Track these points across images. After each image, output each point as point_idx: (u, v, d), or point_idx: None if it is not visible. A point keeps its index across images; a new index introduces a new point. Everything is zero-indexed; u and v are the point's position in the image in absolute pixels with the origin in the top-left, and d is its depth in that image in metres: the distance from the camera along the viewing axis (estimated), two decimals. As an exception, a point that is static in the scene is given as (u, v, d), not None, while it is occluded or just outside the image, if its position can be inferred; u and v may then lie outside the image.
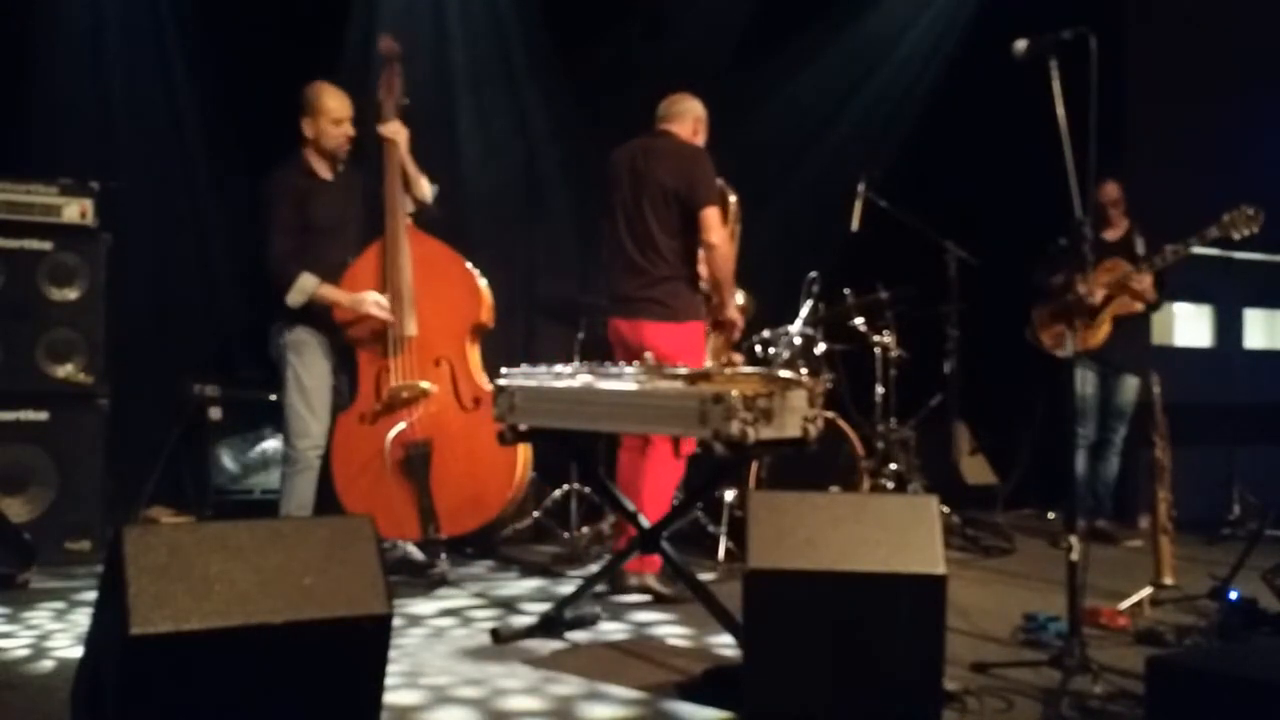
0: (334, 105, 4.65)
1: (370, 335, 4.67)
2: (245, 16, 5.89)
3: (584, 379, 3.71)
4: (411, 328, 4.66)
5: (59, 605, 4.17)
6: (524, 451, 4.60)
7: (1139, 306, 5.81)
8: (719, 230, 4.59)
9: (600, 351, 5.52)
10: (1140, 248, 5.80)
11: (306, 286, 4.53)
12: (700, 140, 4.82)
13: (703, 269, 4.74)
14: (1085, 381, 5.87)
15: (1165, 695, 2.73)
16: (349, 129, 4.69)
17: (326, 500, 4.62)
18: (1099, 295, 5.72)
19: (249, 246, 5.81)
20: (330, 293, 4.59)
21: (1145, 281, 5.71)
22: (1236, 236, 5.32)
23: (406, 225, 4.73)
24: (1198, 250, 5.53)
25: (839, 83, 7.35)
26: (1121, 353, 5.85)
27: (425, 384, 4.65)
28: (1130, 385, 5.99)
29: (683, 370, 3.70)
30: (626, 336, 4.68)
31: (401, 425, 4.59)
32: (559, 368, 3.95)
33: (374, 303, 4.60)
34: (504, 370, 3.94)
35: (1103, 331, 5.78)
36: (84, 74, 5.81)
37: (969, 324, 6.24)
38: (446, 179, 4.96)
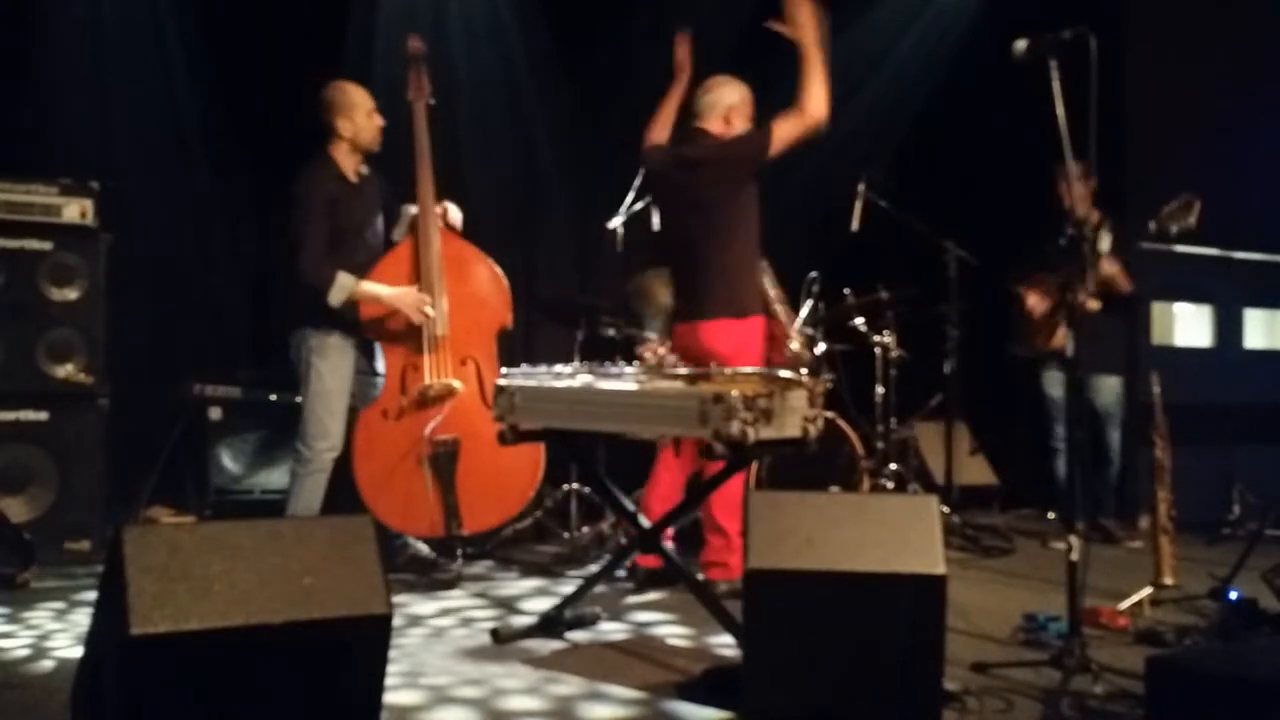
0: (363, 98, 4.69)
1: (398, 332, 4.69)
2: (245, 16, 5.90)
3: (584, 379, 3.71)
4: (443, 326, 4.69)
5: (59, 605, 4.17)
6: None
7: (1094, 306, 5.52)
8: (793, 122, 4.33)
9: (600, 351, 5.53)
10: (1105, 245, 5.72)
11: (346, 284, 4.54)
12: (734, 130, 4.57)
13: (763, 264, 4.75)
14: (1053, 383, 5.86)
15: (1165, 695, 2.73)
16: (380, 118, 4.72)
17: (341, 496, 4.62)
18: (1041, 307, 5.71)
19: (249, 246, 5.83)
20: (370, 288, 4.60)
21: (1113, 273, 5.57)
22: (1175, 230, 5.03)
23: (438, 226, 4.76)
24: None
25: (839, 83, 7.30)
26: (1094, 353, 5.72)
27: (456, 382, 4.68)
28: (1106, 386, 5.93)
29: (682, 370, 3.70)
30: (688, 342, 4.56)
31: (439, 418, 4.62)
32: (559, 368, 3.95)
33: (415, 301, 4.62)
34: (504, 370, 3.94)
35: (1060, 334, 5.69)
36: (84, 74, 5.82)
37: (969, 324, 6.24)
38: (447, 179, 4.98)
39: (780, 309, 5.11)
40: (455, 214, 4.85)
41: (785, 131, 4.39)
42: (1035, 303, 5.78)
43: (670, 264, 4.78)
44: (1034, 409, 6.08)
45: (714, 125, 4.60)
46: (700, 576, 4.36)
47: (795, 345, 5.08)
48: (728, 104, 4.60)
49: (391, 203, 4.88)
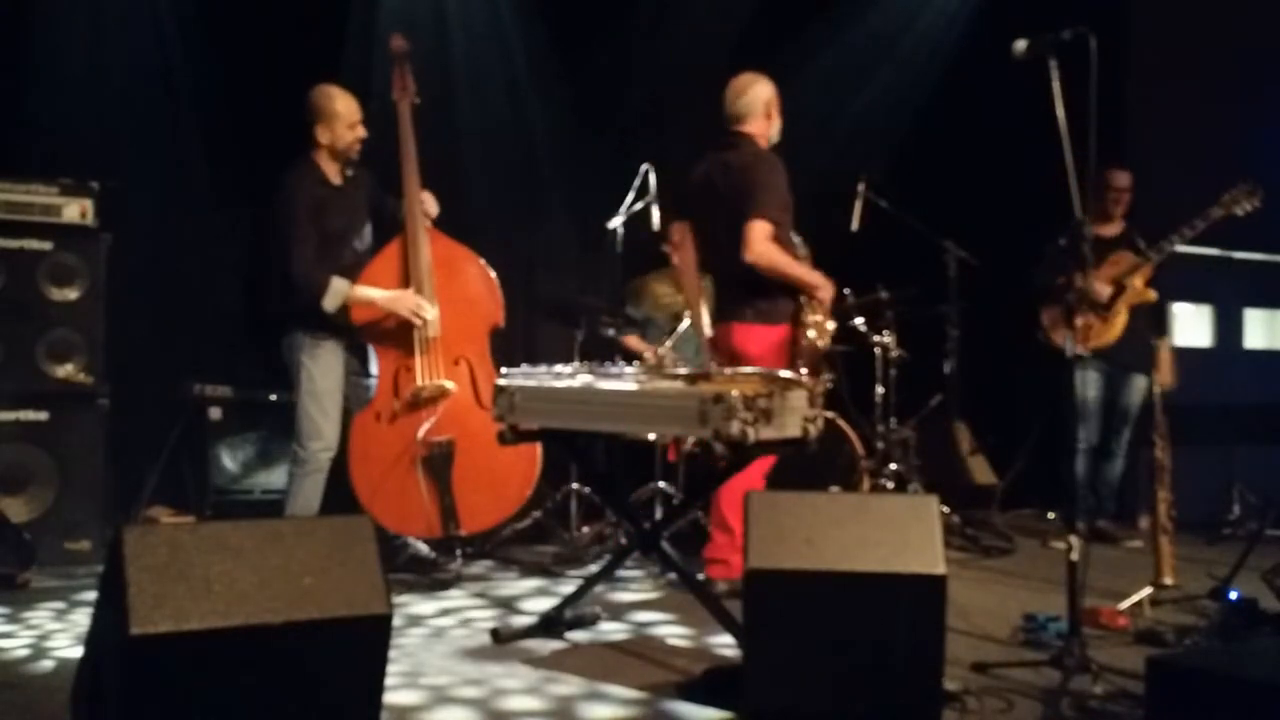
0: (346, 109, 4.65)
1: (390, 334, 4.68)
2: (245, 16, 5.89)
3: (584, 379, 3.71)
4: (435, 328, 4.68)
5: (59, 605, 4.17)
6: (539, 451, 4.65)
7: (1151, 295, 5.72)
8: (757, 245, 4.36)
9: (600, 351, 5.53)
10: (1141, 244, 5.78)
11: (340, 289, 4.54)
12: (774, 124, 4.65)
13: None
14: (1087, 384, 5.83)
15: (1165, 695, 2.73)
16: (362, 131, 4.70)
17: (336, 499, 4.62)
18: (1105, 291, 5.69)
19: (249, 246, 5.82)
20: (365, 293, 4.59)
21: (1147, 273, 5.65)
22: (1240, 213, 5.28)
23: (426, 226, 4.75)
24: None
25: (838, 83, 7.35)
26: (1131, 351, 5.79)
27: (448, 383, 4.67)
28: (1139, 385, 5.94)
29: (683, 370, 3.70)
30: (720, 343, 4.58)
31: (432, 420, 4.61)
32: (559, 368, 3.95)
33: (411, 304, 4.61)
34: (504, 370, 3.94)
35: (1118, 324, 5.70)
36: (84, 74, 5.81)
37: (969, 324, 6.24)
38: (447, 179, 4.98)
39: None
40: (432, 206, 4.81)
41: (758, 237, 4.40)
42: (1100, 287, 5.73)
43: (710, 268, 4.79)
44: (1042, 406, 6.06)
45: (757, 125, 4.61)
46: (700, 574, 4.36)
47: (812, 334, 5.06)
48: (765, 99, 4.62)
49: (382, 199, 4.87)
